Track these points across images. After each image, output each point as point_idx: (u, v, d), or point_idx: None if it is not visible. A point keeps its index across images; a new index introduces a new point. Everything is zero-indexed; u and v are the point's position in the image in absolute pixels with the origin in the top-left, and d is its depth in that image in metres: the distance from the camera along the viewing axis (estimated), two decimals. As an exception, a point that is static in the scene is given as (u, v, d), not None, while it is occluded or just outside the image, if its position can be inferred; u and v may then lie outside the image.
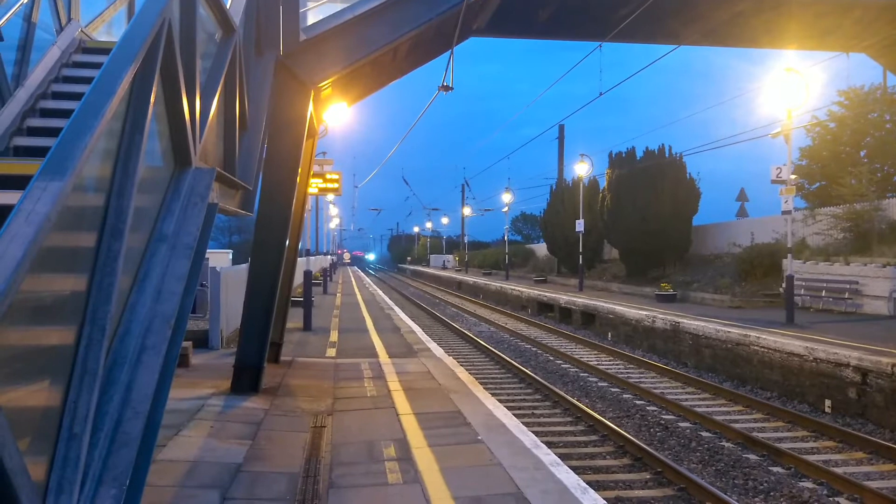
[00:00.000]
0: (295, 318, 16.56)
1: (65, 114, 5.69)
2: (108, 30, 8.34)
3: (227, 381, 9.42)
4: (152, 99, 3.65)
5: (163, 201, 4.17)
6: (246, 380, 9.28)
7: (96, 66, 6.68)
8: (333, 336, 16.13)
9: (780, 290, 20.23)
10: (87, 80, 6.20)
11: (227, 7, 6.30)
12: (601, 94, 16.59)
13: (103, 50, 7.18)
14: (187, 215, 4.16)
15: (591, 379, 14.52)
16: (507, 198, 49.10)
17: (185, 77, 4.32)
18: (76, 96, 6.05)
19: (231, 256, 28.01)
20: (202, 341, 13.01)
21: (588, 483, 6.04)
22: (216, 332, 13.28)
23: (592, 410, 11.18)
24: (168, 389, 3.63)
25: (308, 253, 31.84)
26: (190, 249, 4.00)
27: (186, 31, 4.62)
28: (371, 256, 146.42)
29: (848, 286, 20.54)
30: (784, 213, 18.55)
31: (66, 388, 2.82)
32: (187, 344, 11.36)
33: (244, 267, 13.74)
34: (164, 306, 3.69)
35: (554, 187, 42.20)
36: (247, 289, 9.94)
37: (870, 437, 9.73)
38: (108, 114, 3.05)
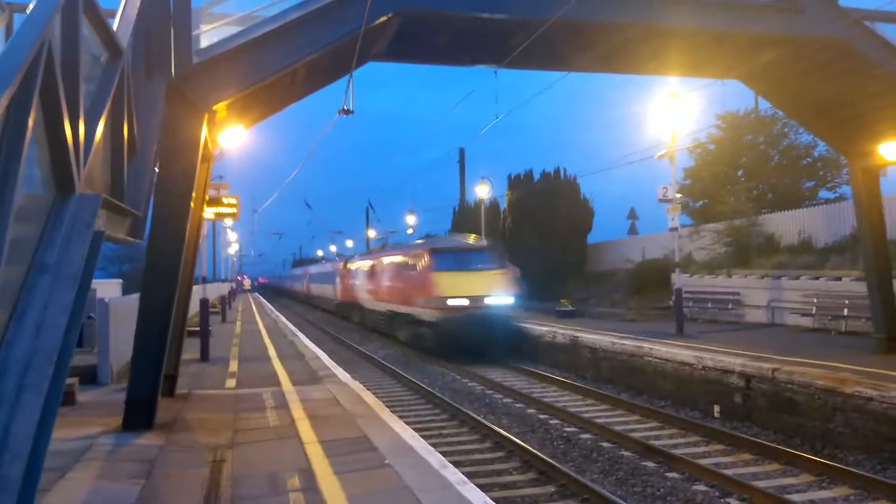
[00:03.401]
0: (191, 349, 15.91)
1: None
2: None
3: (119, 418, 8.93)
4: (31, 123, 3.47)
5: (44, 230, 3.96)
6: (138, 416, 8.82)
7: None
8: (233, 366, 15.61)
9: (671, 302, 21.30)
10: (-43, 103, 5.80)
11: (114, 29, 6.08)
12: (497, 117, 17.07)
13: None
14: (71, 244, 3.96)
15: (496, 396, 14.74)
16: (411, 220, 49.31)
17: (67, 100, 4.14)
18: (-56, 120, 5.65)
19: (121, 286, 26.64)
20: (90, 377, 12.27)
21: (495, 500, 6.13)
22: (105, 367, 12.57)
23: (498, 427, 11.34)
24: (51, 430, 3.43)
25: (205, 280, 30.77)
26: (74, 280, 3.81)
27: (69, 52, 4.43)
28: None
29: (731, 297, 21.87)
30: (671, 229, 19.61)
31: (-67, 434, 2.61)
32: (73, 380, 10.68)
33: (135, 297, 13.12)
34: (45, 341, 3.49)
35: (457, 209, 42.84)
36: (138, 319, 9.49)
37: (755, 440, 10.36)
38: (-20, 139, 2.88)
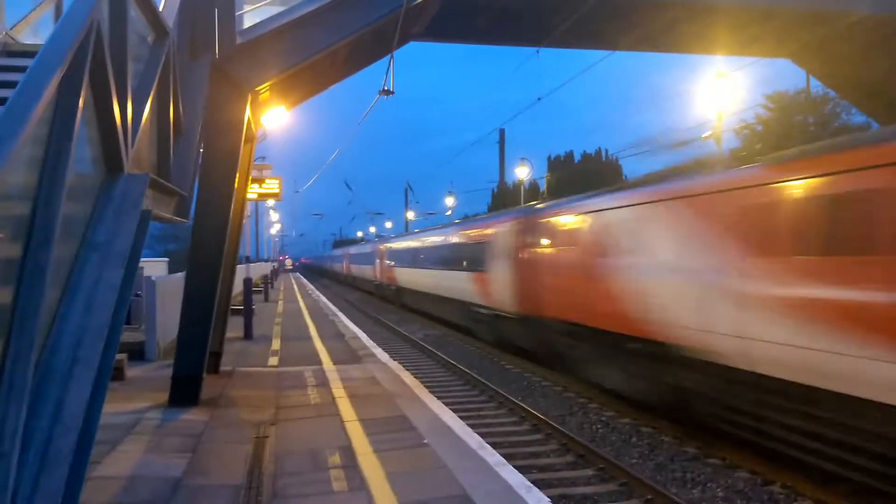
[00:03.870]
0: (235, 328, 16.23)
1: (-14, 119, 5.43)
2: (35, 32, 8.01)
3: (165, 393, 9.17)
4: (81, 103, 3.54)
5: (94, 209, 4.05)
6: (184, 391, 9.05)
7: (21, 69, 6.41)
8: (276, 344, 15.88)
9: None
10: (12, 85, 5.94)
11: (160, 9, 6.15)
12: (540, 98, 16.87)
13: (29, 53, 6.90)
14: (120, 223, 4.04)
15: (534, 378, 14.67)
16: (450, 201, 49.32)
17: (115, 81, 4.20)
18: (-1, 101, 5.80)
19: (168, 265, 27.27)
20: (138, 353, 12.63)
21: (533, 482, 6.12)
22: (152, 344, 12.92)
23: (536, 410, 11.31)
24: (101, 404, 3.52)
25: (248, 260, 31.29)
26: (123, 258, 3.89)
27: (117, 33, 4.50)
28: None
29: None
30: (716, 213, 19.13)
31: (-9, 406, 2.70)
32: (122, 356, 11.00)
33: (181, 275, 13.41)
34: (96, 318, 3.58)
35: (496, 190, 42.69)
36: (184, 298, 9.70)
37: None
38: (33, 119, 2.94)
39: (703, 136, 20.09)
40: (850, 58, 13.32)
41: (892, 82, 13.44)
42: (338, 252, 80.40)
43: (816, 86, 27.14)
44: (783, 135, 30.09)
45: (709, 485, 8.02)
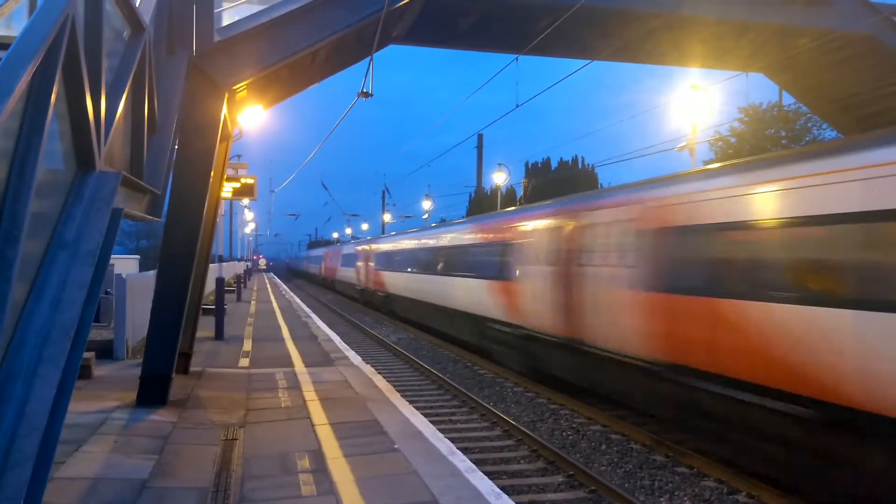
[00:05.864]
0: (206, 327, 16.05)
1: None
2: (8, 24, 7.86)
3: (133, 393, 9.03)
4: (53, 98, 3.48)
5: (63, 206, 3.98)
6: (153, 391, 8.92)
7: (-9, 60, 6.30)
8: (247, 345, 15.72)
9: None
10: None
11: (137, 5, 6.08)
12: (518, 105, 16.93)
13: (1, 45, 6.78)
14: (90, 221, 3.98)
15: (507, 384, 14.72)
16: (427, 205, 49.29)
17: (89, 76, 4.15)
18: (-32, 92, 5.67)
19: (139, 262, 26.90)
20: (106, 351, 12.42)
21: (502, 488, 6.14)
22: (121, 342, 12.72)
23: (507, 415, 11.34)
24: (67, 403, 3.46)
25: (221, 259, 30.95)
26: (92, 256, 3.83)
27: (92, 28, 4.43)
28: None
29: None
30: (689, 223, 19.34)
31: (-48, 405, 2.64)
32: (90, 354, 10.81)
33: (152, 274, 13.23)
34: (63, 316, 3.52)
35: (473, 195, 42.80)
36: (154, 296, 9.57)
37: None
38: (4, 113, 2.89)
39: (677, 147, 20.34)
40: (821, 73, 13.61)
41: (861, 98, 13.76)
42: (335, 251, 54.38)
43: (790, 100, 27.64)
44: (757, 146, 30.59)
45: (676, 493, 8.10)
